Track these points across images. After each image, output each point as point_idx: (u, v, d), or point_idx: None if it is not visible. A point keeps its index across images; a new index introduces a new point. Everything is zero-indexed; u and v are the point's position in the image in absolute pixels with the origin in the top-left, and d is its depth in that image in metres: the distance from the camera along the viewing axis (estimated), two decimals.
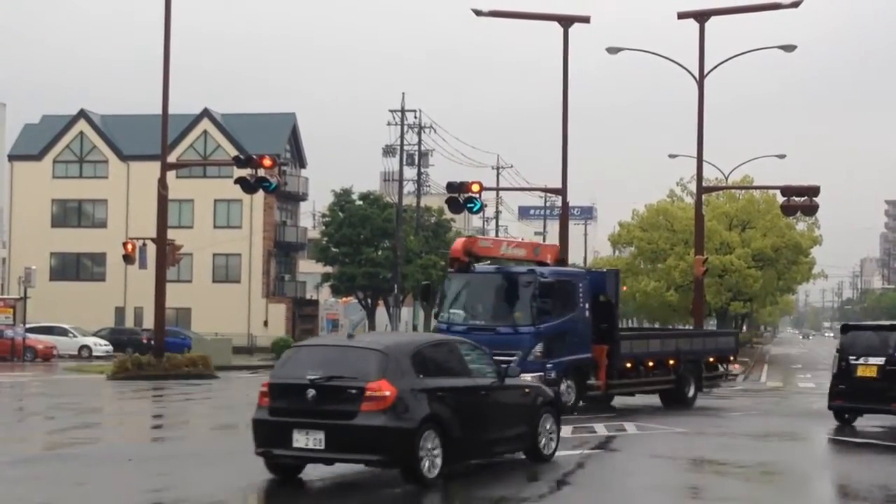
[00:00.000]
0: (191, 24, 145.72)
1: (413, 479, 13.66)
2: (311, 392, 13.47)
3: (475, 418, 14.53)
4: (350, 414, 13.37)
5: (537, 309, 23.23)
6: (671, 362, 27.04)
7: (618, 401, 27.48)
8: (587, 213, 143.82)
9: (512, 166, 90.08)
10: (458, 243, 25.44)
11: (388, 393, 13.35)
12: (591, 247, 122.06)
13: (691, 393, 27.66)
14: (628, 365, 25.89)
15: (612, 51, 41.83)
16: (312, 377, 13.55)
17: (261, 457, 14.07)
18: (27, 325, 53.41)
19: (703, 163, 40.28)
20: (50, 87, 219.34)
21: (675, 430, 20.90)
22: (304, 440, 13.50)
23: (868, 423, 22.97)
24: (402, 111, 70.21)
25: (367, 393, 13.34)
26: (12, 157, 76.04)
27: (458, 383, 14.55)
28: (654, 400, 29.01)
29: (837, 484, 15.68)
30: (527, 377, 19.74)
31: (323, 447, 13.46)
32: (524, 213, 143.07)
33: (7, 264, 73.89)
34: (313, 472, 14.31)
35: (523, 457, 15.75)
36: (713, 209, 61.48)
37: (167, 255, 38.68)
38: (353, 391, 13.44)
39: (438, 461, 13.75)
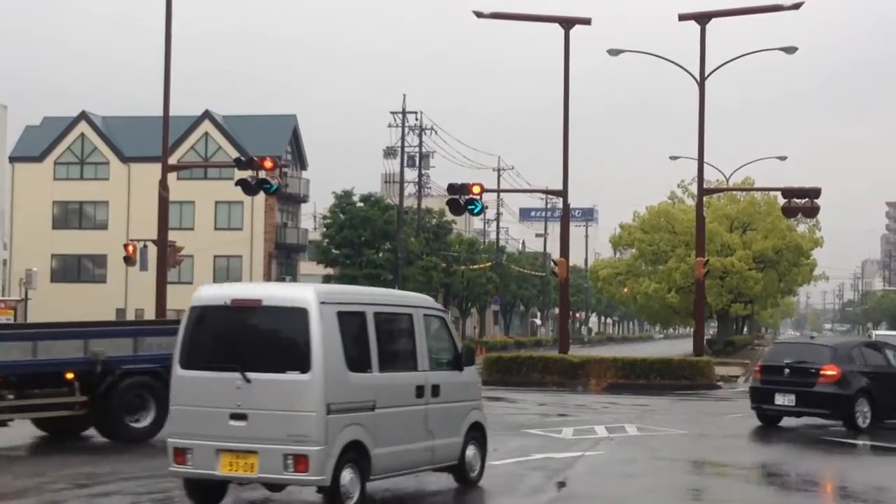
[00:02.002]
0: (193, 24, 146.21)
1: (851, 428, 21.62)
2: (787, 370, 22.23)
3: (892, 393, 22.28)
4: (811, 384, 21.85)
5: None
6: None
7: (612, 400, 27.37)
8: (588, 215, 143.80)
9: (513, 168, 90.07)
10: None
11: (835, 372, 21.74)
12: (592, 248, 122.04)
13: None
14: None
15: (613, 53, 41.83)
16: (787, 361, 22.49)
17: (754, 410, 22.75)
18: None
19: (704, 164, 40.25)
20: (51, 88, 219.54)
21: (676, 432, 20.90)
22: (782, 400, 22.10)
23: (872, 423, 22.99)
24: (403, 113, 70.27)
25: (822, 371, 21.80)
26: (13, 159, 76.08)
27: (881, 369, 22.61)
28: (653, 401, 29.02)
29: (837, 485, 15.67)
30: None
31: (793, 405, 22.00)
32: (525, 214, 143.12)
33: (8, 266, 73.96)
34: None
35: None
36: (714, 211, 61.47)
37: (168, 256, 38.65)
38: (813, 370, 21.96)
39: (868, 417, 21.88)
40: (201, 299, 12.23)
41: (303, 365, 11.39)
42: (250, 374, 11.54)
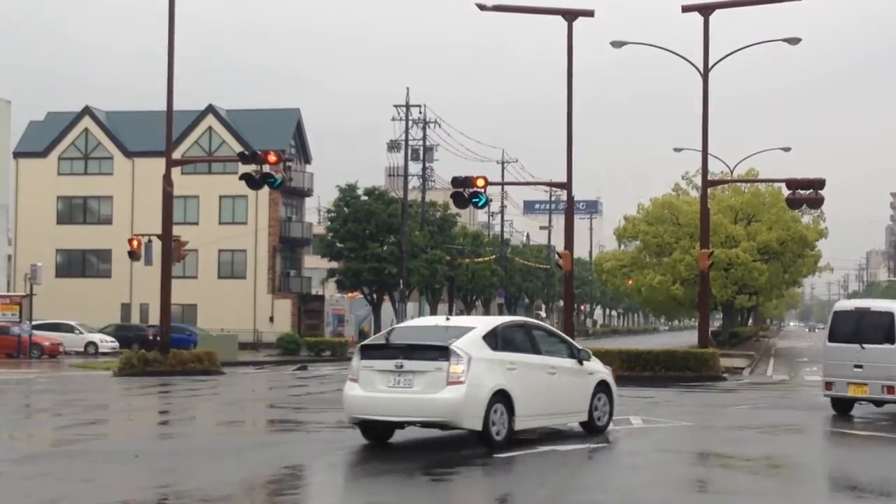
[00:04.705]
0: (196, 17, 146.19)
1: None
2: None
3: None
4: None
5: None
6: None
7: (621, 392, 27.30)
8: (592, 208, 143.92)
9: (517, 160, 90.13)
10: None
11: None
12: (596, 241, 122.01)
13: None
14: None
15: (617, 45, 41.78)
16: None
17: None
18: (33, 322, 53.52)
19: (709, 156, 40.22)
20: (55, 82, 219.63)
21: (680, 424, 20.89)
22: None
23: (875, 415, 22.99)
24: (407, 106, 70.27)
25: None
26: (18, 155, 76.20)
27: None
28: (658, 393, 29.02)
29: (841, 476, 15.66)
30: None
31: None
32: (529, 207, 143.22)
33: (13, 261, 74.07)
34: None
35: None
36: (718, 202, 61.40)
37: (173, 251, 38.73)
38: None
39: None
40: (839, 307, 24.10)
41: (891, 340, 22.40)
42: (865, 344, 22.58)
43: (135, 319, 71.23)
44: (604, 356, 35.95)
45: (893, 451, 18.55)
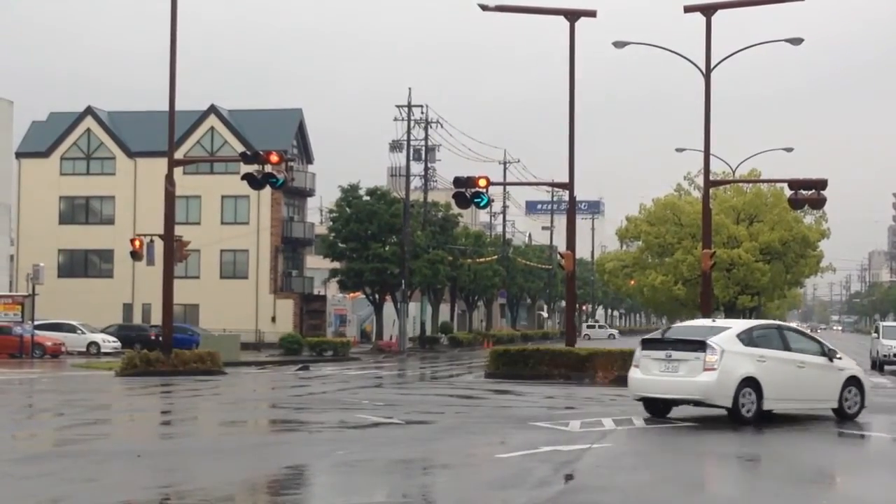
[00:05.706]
0: (198, 17, 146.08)
1: None
2: None
3: None
4: None
5: None
6: None
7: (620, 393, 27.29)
8: (594, 208, 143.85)
9: (519, 161, 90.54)
10: None
11: None
12: (598, 241, 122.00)
13: None
14: None
15: (619, 45, 41.76)
16: None
17: None
18: (35, 322, 53.53)
19: (711, 156, 40.21)
20: (57, 82, 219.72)
21: (682, 424, 20.89)
22: None
23: (876, 417, 22.98)
24: (409, 107, 70.28)
25: None
26: (20, 155, 76.21)
27: None
28: None
29: (842, 475, 15.66)
30: None
31: None
32: (531, 207, 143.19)
33: (15, 261, 74.10)
34: None
35: None
36: (720, 203, 61.42)
37: (175, 251, 38.73)
38: None
39: None
40: None
41: None
42: None
43: (137, 319, 71.28)
44: (605, 357, 36.12)
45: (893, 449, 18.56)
